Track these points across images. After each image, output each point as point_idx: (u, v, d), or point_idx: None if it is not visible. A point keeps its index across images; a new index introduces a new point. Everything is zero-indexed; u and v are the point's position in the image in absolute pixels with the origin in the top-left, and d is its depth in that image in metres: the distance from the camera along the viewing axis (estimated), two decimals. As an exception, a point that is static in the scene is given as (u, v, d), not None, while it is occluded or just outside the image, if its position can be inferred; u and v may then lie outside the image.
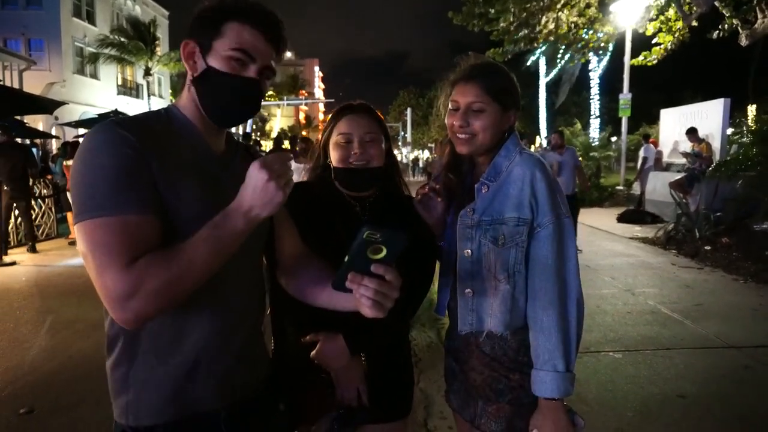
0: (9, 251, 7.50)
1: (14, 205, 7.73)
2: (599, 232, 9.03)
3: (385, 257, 0.93)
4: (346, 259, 0.94)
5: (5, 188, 7.38)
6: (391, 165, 1.55)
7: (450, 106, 1.42)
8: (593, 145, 15.88)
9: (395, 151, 1.70)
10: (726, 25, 9.67)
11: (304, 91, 51.64)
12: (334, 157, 1.46)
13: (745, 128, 9.19)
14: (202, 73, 1.01)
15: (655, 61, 11.32)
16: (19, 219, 8.00)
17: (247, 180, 0.92)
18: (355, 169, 1.42)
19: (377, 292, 0.93)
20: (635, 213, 9.97)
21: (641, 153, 11.42)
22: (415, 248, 1.47)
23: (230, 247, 0.94)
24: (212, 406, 1.03)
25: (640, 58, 11.49)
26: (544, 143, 16.99)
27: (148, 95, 25.62)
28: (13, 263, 6.96)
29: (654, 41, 11.18)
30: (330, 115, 1.58)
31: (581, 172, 7.61)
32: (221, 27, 1.00)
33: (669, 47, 10.93)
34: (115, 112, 14.34)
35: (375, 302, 0.94)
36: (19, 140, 10.13)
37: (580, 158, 9.47)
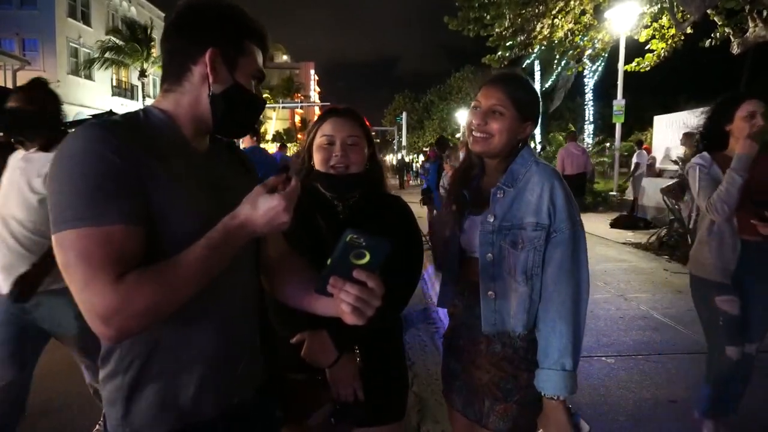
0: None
1: None
2: (592, 237, 9.05)
3: (367, 263, 0.92)
4: (329, 261, 0.93)
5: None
6: (375, 169, 1.57)
7: (472, 104, 1.48)
8: (588, 150, 15.95)
9: (390, 155, 1.73)
10: (718, 33, 9.77)
11: (299, 94, 51.52)
12: (316, 158, 1.49)
13: None
14: (230, 87, 1.00)
15: (648, 68, 11.42)
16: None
17: (259, 201, 0.91)
18: (335, 176, 1.45)
19: (358, 299, 0.92)
20: (628, 218, 10.02)
21: (634, 159, 11.49)
22: (400, 248, 1.50)
23: (224, 263, 0.92)
24: (210, 414, 1.00)
25: (633, 64, 11.60)
26: (538, 147, 16.89)
27: (143, 96, 25.53)
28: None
29: (647, 48, 11.28)
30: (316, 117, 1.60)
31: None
32: (243, 44, 1.02)
33: (662, 54, 11.04)
34: (110, 113, 14.21)
35: (355, 309, 0.92)
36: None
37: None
